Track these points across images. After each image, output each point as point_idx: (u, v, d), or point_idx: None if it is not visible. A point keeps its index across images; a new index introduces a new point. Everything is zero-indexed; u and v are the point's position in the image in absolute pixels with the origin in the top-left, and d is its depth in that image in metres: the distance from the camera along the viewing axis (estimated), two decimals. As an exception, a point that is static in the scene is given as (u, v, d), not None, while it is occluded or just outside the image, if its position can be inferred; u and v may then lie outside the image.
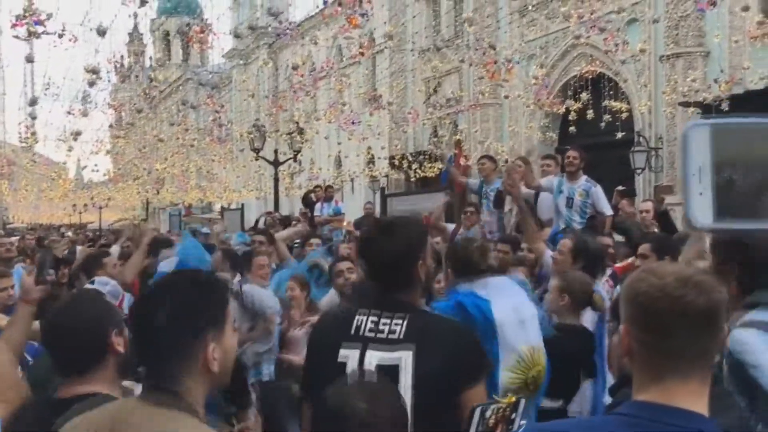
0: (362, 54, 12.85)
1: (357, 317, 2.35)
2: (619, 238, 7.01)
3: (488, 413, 2.06)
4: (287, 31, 12.57)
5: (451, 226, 8.06)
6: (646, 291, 1.40)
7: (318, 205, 13.13)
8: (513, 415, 2.11)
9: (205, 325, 1.68)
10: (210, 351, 1.66)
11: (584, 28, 11.83)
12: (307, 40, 18.85)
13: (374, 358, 2.25)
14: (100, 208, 50.14)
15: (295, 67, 15.62)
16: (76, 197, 49.55)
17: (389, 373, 2.21)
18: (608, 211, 7.39)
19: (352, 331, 2.33)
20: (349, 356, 2.28)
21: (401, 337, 2.27)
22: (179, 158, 30.03)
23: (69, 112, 17.55)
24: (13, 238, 10.11)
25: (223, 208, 30.63)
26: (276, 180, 18.63)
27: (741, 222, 0.78)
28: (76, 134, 16.86)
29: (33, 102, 12.52)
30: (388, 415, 1.88)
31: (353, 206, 24.53)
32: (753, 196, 0.76)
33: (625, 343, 1.48)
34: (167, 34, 60.05)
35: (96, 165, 58.70)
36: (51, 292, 4.53)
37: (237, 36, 14.47)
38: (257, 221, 14.11)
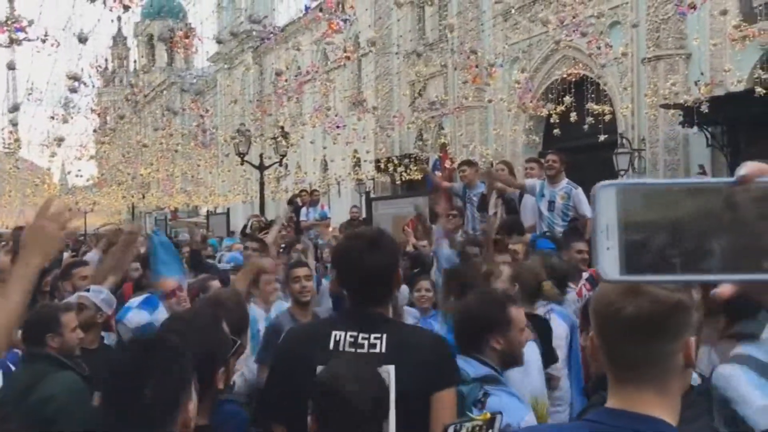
0: (348, 58, 12.86)
1: (334, 333, 2.33)
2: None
3: (463, 431, 2.07)
4: (270, 35, 12.57)
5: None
6: (595, 299, 1.47)
7: (303, 210, 13.12)
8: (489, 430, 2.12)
9: (184, 391, 1.75)
10: (189, 412, 1.75)
11: (565, 33, 11.92)
12: (291, 45, 18.83)
13: None
14: (86, 213, 49.85)
15: (278, 73, 15.61)
16: (60, 202, 49.20)
17: None
18: (589, 214, 7.38)
19: (331, 347, 2.30)
20: None
21: (383, 351, 2.27)
22: (164, 163, 29.90)
23: (52, 117, 17.46)
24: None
25: (209, 213, 30.55)
26: (261, 184, 18.61)
27: (645, 275, 0.85)
28: (59, 140, 16.75)
29: (14, 108, 12.43)
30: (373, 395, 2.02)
31: (340, 210, 24.52)
32: (656, 253, 0.83)
33: (592, 349, 1.50)
34: (151, 37, 59.76)
35: (80, 170, 58.25)
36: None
37: (219, 42, 14.44)
38: (245, 226, 14.07)
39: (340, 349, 2.29)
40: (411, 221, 10.06)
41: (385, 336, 2.29)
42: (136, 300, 3.53)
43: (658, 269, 0.84)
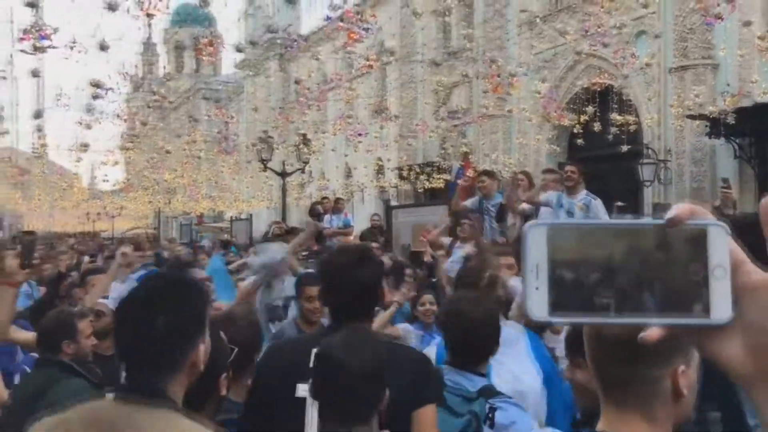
0: (370, 67, 12.90)
1: (315, 350, 2.28)
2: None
3: None
4: (294, 43, 12.65)
5: (448, 240, 8.10)
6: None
7: (327, 217, 13.14)
8: None
9: (197, 329, 1.73)
10: (200, 352, 1.72)
11: (588, 42, 11.83)
12: (311, 54, 18.95)
13: None
14: (113, 217, 50.54)
15: (298, 82, 15.69)
16: (88, 206, 49.97)
17: None
18: None
19: (311, 365, 2.25)
20: (308, 391, 2.24)
21: None
22: (189, 169, 30.23)
23: (79, 123, 17.76)
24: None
25: (232, 219, 30.76)
26: (283, 191, 18.70)
27: (574, 316, 0.84)
28: (84, 146, 17.01)
29: (38, 115, 12.65)
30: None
31: (363, 217, 24.54)
32: (585, 293, 0.82)
33: (574, 381, 1.49)
34: (179, 44, 60.49)
35: (106, 175, 59.16)
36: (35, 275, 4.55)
37: (239, 50, 14.58)
38: (266, 232, 14.15)
39: None
40: (423, 233, 10.06)
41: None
42: (122, 286, 3.51)
43: (587, 310, 0.83)
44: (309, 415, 2.22)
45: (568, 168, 7.46)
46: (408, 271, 6.12)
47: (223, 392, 2.14)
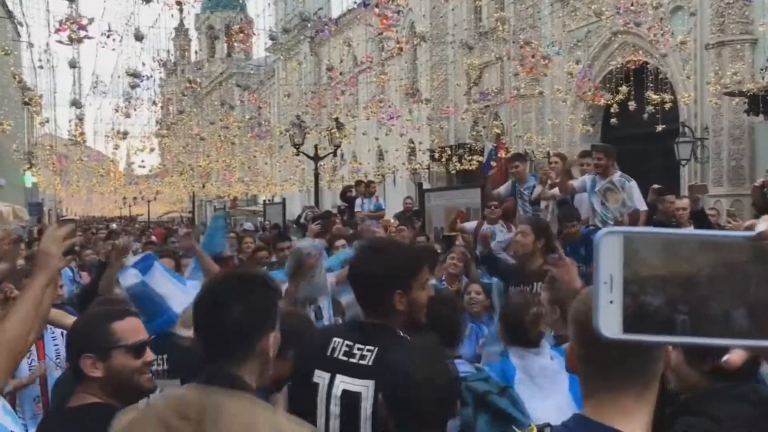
0: (400, 50, 12.85)
1: (334, 339, 2.34)
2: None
3: None
4: (325, 27, 12.68)
5: (471, 225, 8.11)
6: (581, 307, 1.41)
7: (359, 201, 13.20)
8: None
9: (268, 321, 1.87)
10: (270, 341, 1.85)
11: (622, 21, 11.60)
12: (343, 39, 18.91)
13: (342, 384, 2.26)
14: (149, 201, 51.34)
15: (329, 68, 15.70)
16: (125, 191, 50.81)
17: (353, 400, 2.24)
18: (642, 206, 7.30)
19: (328, 353, 2.32)
20: (322, 378, 2.30)
21: (369, 364, 2.25)
22: (222, 154, 30.54)
23: (116, 110, 18.04)
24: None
25: (265, 202, 31.04)
26: (316, 175, 18.78)
27: (649, 335, 0.78)
28: (124, 134, 17.28)
29: (76, 104, 12.88)
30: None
31: (395, 199, 24.57)
32: (664, 310, 0.77)
33: (571, 360, 1.48)
34: (211, 29, 60.83)
35: (143, 161, 60.13)
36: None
37: (272, 38, 14.62)
38: (299, 216, 14.26)
39: (335, 356, 2.30)
40: (460, 212, 10.05)
41: (376, 350, 2.27)
42: (131, 259, 3.57)
43: (665, 329, 0.78)
44: (320, 398, 2.29)
45: (595, 154, 7.39)
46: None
47: (94, 374, 2.18)
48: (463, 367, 2.79)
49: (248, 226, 21.57)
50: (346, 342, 2.31)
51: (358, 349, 2.29)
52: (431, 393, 2.12)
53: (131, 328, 2.28)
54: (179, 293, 3.20)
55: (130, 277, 3.22)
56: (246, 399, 1.77)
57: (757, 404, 1.88)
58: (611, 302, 0.77)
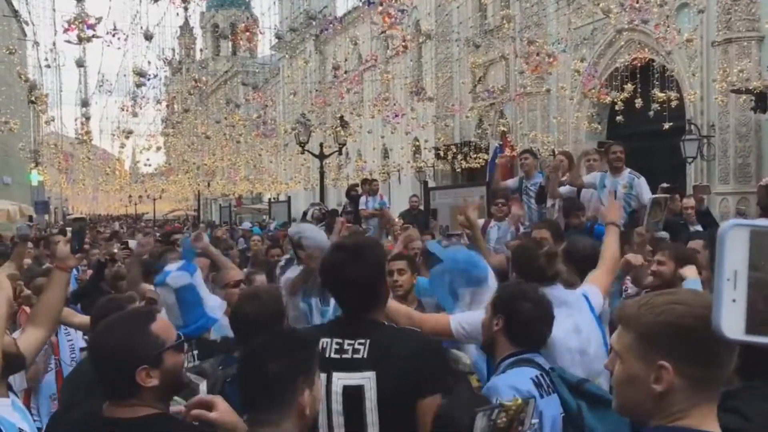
0: (405, 48, 12.84)
1: (322, 339, 2.38)
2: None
3: (494, 415, 2.06)
4: (329, 26, 12.66)
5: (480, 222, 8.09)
6: (693, 322, 1.28)
7: (363, 199, 13.18)
8: (523, 415, 2.10)
9: (304, 377, 1.95)
10: (306, 398, 1.92)
11: (627, 19, 11.55)
12: (350, 37, 18.89)
13: (341, 380, 2.31)
14: (154, 199, 51.44)
15: (336, 68, 15.69)
16: (131, 189, 50.90)
17: (355, 394, 2.29)
18: None
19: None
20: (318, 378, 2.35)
21: (365, 357, 2.32)
22: (228, 152, 30.57)
23: (121, 108, 18.06)
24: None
25: (270, 200, 31.07)
26: (321, 173, 18.80)
27: None
28: (128, 133, 17.29)
29: (84, 104, 12.91)
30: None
31: (400, 198, 24.57)
32: None
33: (663, 378, 1.37)
34: (216, 27, 60.88)
35: (148, 159, 60.23)
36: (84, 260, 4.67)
37: (278, 37, 14.63)
38: (305, 213, 14.25)
39: (326, 355, 2.34)
40: (462, 208, 10.02)
41: (368, 341, 2.33)
42: (173, 265, 3.54)
43: None
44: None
45: (616, 148, 7.37)
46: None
47: (149, 384, 2.06)
48: (545, 360, 2.78)
49: (246, 225, 21.58)
50: (335, 340, 2.37)
51: (348, 344, 2.35)
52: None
53: (166, 326, 2.22)
54: (210, 298, 3.25)
55: (180, 278, 3.21)
56: None
57: None
58: (734, 300, 0.72)
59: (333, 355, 2.35)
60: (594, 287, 3.48)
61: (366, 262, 2.42)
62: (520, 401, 2.11)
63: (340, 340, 2.37)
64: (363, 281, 2.41)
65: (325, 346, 2.37)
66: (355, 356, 2.32)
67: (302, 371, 1.94)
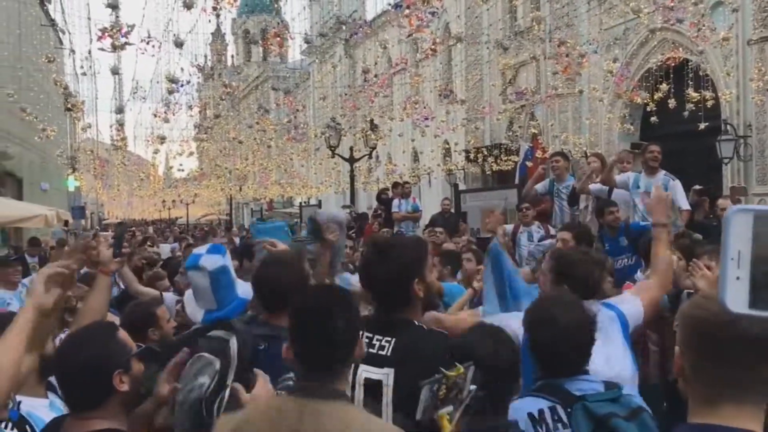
0: (434, 51, 12.82)
1: None
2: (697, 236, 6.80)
3: (436, 387, 2.10)
4: (359, 29, 12.71)
5: (510, 227, 8.06)
6: (705, 318, 1.40)
7: (396, 202, 13.20)
8: (462, 383, 2.14)
9: (357, 331, 2.03)
10: (361, 348, 2.05)
11: (661, 18, 11.39)
12: (379, 41, 18.94)
13: (365, 373, 2.37)
14: (187, 204, 52.09)
15: (365, 71, 15.76)
16: (164, 194, 51.61)
17: (374, 388, 2.35)
18: (685, 206, 7.24)
19: None
20: None
21: (388, 354, 2.38)
22: (259, 156, 30.81)
23: (155, 115, 18.32)
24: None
25: (301, 204, 31.25)
26: (352, 177, 18.86)
27: None
28: (162, 138, 17.54)
29: (119, 110, 13.14)
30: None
31: (430, 201, 24.52)
32: None
33: (679, 366, 1.49)
34: (247, 33, 61.50)
35: (181, 165, 60.94)
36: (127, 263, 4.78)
37: (308, 42, 14.75)
38: (335, 216, 14.31)
39: None
40: (490, 213, 10.00)
41: (394, 340, 2.39)
42: (201, 248, 3.54)
43: None
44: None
45: (653, 148, 7.33)
46: (467, 255, 5.94)
47: (123, 388, 2.18)
48: (588, 385, 2.48)
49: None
50: (366, 334, 2.39)
51: (377, 339, 2.41)
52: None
53: (126, 336, 2.37)
54: (243, 283, 3.24)
55: (213, 261, 3.19)
56: (341, 404, 1.88)
57: None
58: (738, 278, 0.79)
59: None
60: (637, 302, 3.21)
61: (394, 261, 2.46)
62: (461, 370, 2.14)
63: (370, 335, 2.41)
64: (389, 279, 2.45)
65: None
66: (380, 352, 2.39)
67: (357, 325, 2.02)
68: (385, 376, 2.34)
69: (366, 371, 2.37)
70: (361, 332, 2.05)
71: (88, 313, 2.97)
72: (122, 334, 2.33)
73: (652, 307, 3.27)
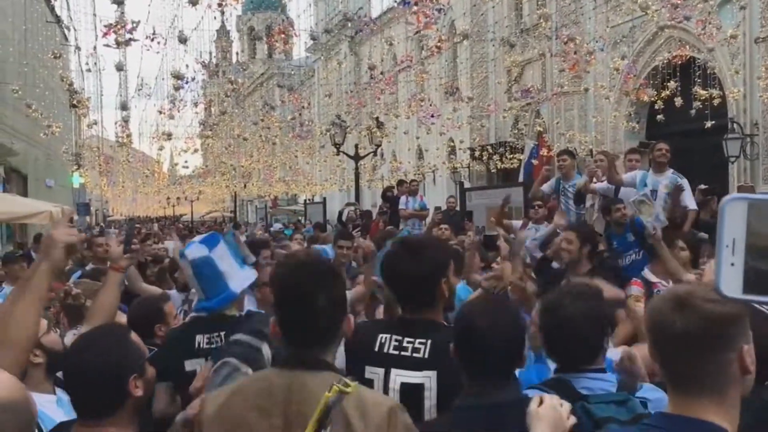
0: (438, 48, 12.78)
1: (380, 335, 2.39)
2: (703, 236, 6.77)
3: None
4: (365, 26, 12.69)
5: (518, 223, 8.03)
6: (648, 314, 1.57)
7: (402, 199, 13.16)
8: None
9: (344, 305, 2.02)
10: (351, 323, 2.02)
11: (668, 15, 11.33)
12: (385, 38, 18.91)
13: (399, 377, 2.29)
14: (192, 201, 52.15)
15: (371, 68, 15.73)
16: (169, 191, 51.67)
17: (414, 392, 2.27)
18: (692, 206, 7.20)
19: (376, 349, 2.37)
20: (375, 374, 2.33)
21: (426, 357, 2.30)
22: (264, 154, 30.83)
23: (160, 112, 18.34)
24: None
25: (306, 202, 31.27)
26: (356, 174, 18.84)
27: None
28: (168, 135, 17.54)
29: (124, 106, 13.14)
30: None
31: (435, 198, 24.51)
32: None
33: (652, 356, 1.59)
34: (252, 30, 61.54)
35: (186, 162, 60.96)
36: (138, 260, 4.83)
37: (314, 39, 14.72)
38: (340, 213, 14.31)
39: (385, 351, 2.35)
40: (494, 214, 10.00)
41: (429, 342, 2.32)
42: (198, 237, 3.55)
43: None
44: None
45: (661, 146, 7.29)
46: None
47: (138, 393, 2.13)
48: (597, 383, 2.29)
49: (277, 226, 21.69)
50: (395, 337, 2.36)
51: (408, 342, 2.34)
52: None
53: (138, 338, 2.40)
54: (238, 273, 3.20)
55: (196, 251, 3.20)
56: (329, 376, 1.86)
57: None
58: (732, 264, 0.82)
59: (392, 351, 2.34)
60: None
61: (427, 260, 2.42)
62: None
63: (399, 338, 2.36)
64: (421, 278, 2.40)
65: (383, 341, 2.37)
66: (415, 355, 2.31)
67: (343, 299, 2.00)
68: (427, 379, 2.27)
69: (401, 375, 2.29)
70: (346, 304, 2.02)
71: (99, 310, 2.97)
72: (135, 336, 2.31)
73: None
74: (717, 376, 1.47)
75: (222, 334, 2.97)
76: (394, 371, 2.29)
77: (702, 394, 1.48)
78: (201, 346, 3.03)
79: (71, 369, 2.17)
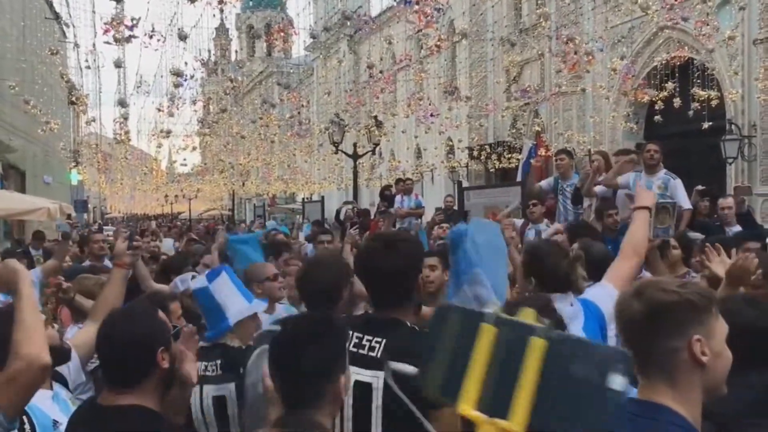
0: (438, 48, 12.78)
1: (351, 332, 2.35)
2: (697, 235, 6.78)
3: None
4: (364, 25, 12.68)
5: (519, 222, 8.04)
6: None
7: (398, 198, 13.18)
8: None
9: (338, 368, 1.94)
10: (341, 386, 1.94)
11: (666, 16, 11.32)
12: (384, 36, 18.91)
13: (354, 375, 2.24)
14: (190, 199, 52.10)
15: (370, 66, 15.72)
16: (167, 189, 51.60)
17: (364, 390, 2.24)
18: (686, 205, 7.18)
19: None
20: None
21: (377, 356, 2.27)
22: (262, 152, 30.79)
23: (158, 109, 18.30)
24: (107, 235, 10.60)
25: (304, 200, 31.26)
26: (355, 173, 18.82)
27: None
28: (167, 133, 17.51)
29: (122, 103, 13.11)
30: None
31: (433, 198, 24.52)
32: None
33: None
34: (251, 28, 61.52)
35: (185, 159, 60.80)
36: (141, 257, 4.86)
37: (313, 37, 14.71)
38: (338, 212, 14.31)
39: (349, 348, 2.26)
40: (492, 215, 10.02)
41: (384, 341, 2.29)
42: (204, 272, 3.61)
43: None
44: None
45: (650, 147, 7.29)
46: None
47: (165, 365, 2.26)
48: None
49: (271, 224, 21.68)
50: (356, 334, 2.34)
51: (367, 340, 2.32)
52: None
53: (164, 316, 2.48)
54: (238, 304, 3.16)
55: (198, 282, 3.25)
56: None
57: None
58: None
59: (351, 348, 2.30)
60: (609, 289, 3.01)
61: (401, 254, 2.39)
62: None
63: (360, 335, 2.34)
64: (396, 272, 2.36)
65: (350, 338, 2.33)
66: (370, 353, 2.29)
67: (338, 363, 1.94)
68: (375, 379, 2.24)
69: (355, 373, 2.23)
70: (341, 365, 1.95)
71: (103, 305, 2.99)
72: (161, 313, 2.42)
73: (627, 280, 3.03)
74: (665, 362, 1.58)
75: (218, 363, 2.96)
76: (351, 368, 2.21)
77: (655, 378, 1.59)
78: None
79: (106, 340, 2.29)
